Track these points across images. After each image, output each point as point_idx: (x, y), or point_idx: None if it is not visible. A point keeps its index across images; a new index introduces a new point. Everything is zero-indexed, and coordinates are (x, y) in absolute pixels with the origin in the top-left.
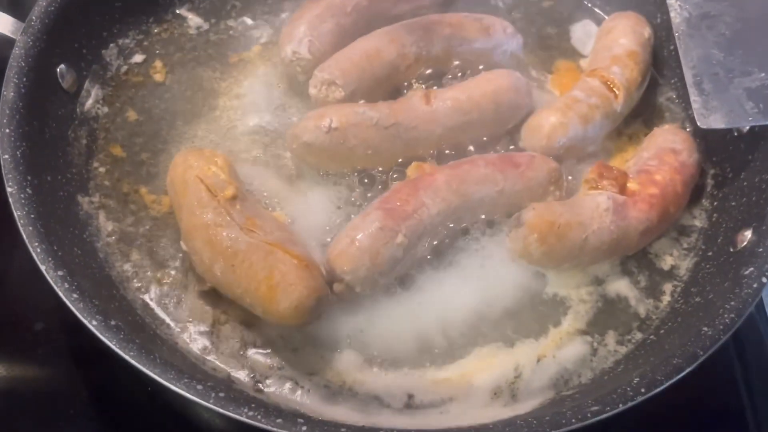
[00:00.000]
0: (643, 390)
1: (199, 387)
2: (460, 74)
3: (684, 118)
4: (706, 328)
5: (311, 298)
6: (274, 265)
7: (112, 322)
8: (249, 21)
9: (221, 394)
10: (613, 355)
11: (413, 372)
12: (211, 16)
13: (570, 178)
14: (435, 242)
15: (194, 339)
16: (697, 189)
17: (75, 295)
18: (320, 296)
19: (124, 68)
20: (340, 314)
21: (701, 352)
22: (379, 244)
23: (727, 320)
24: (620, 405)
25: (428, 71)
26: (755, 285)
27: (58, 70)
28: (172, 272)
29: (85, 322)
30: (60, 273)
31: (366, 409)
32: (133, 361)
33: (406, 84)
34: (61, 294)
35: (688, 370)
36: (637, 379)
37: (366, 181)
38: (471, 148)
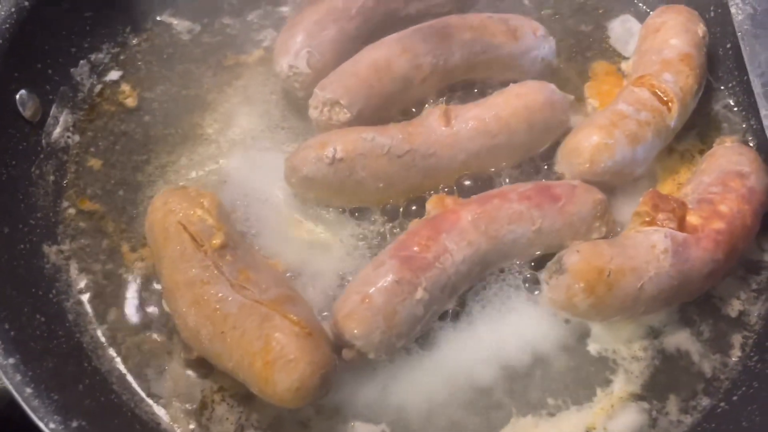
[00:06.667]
0: None
1: None
2: (484, 89)
3: (745, 129)
4: None
5: (315, 377)
6: (271, 334)
7: (74, 424)
8: (250, 18)
9: None
10: (677, 427)
11: None
12: (201, 16)
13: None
14: (460, 293)
15: (178, 418)
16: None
17: (29, 390)
18: (326, 373)
19: (98, 87)
20: (349, 379)
21: None
22: (396, 301)
23: None
24: None
25: (447, 85)
26: None
27: (18, 96)
28: (155, 335)
29: (41, 425)
30: (11, 360)
31: None
32: None
33: (421, 101)
34: (12, 389)
35: None
36: None
37: (388, 208)
38: (500, 176)
